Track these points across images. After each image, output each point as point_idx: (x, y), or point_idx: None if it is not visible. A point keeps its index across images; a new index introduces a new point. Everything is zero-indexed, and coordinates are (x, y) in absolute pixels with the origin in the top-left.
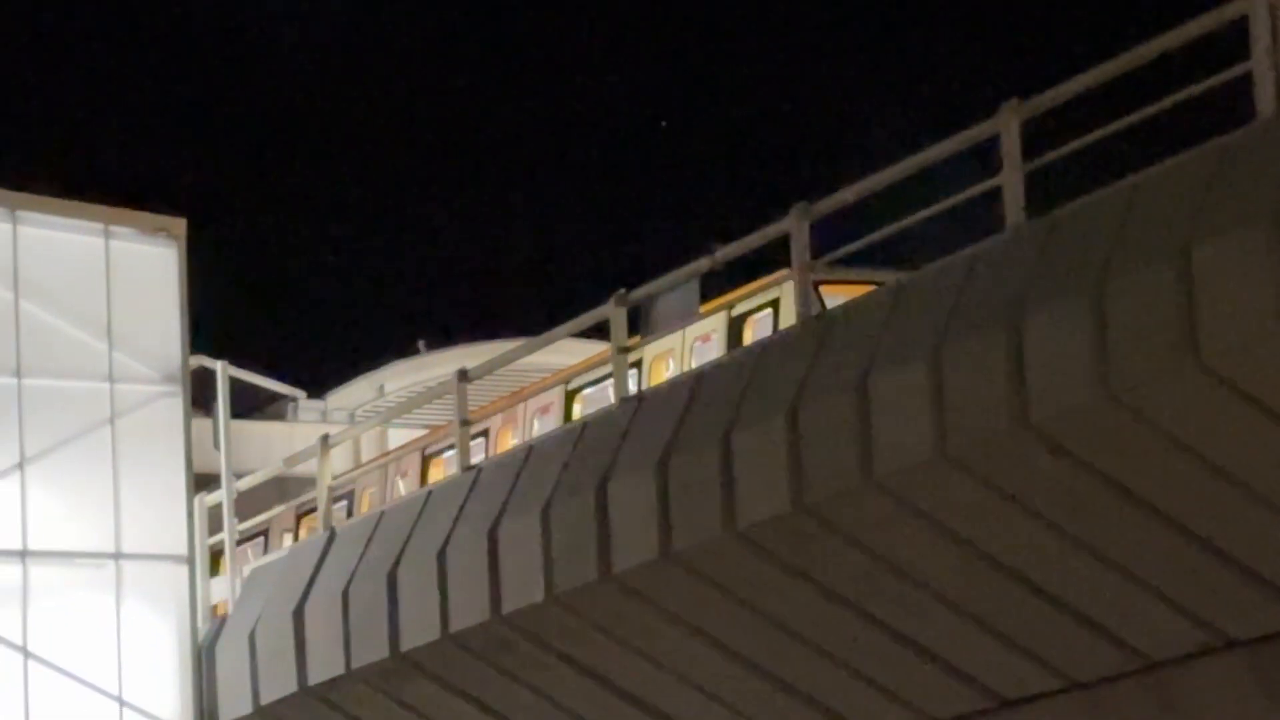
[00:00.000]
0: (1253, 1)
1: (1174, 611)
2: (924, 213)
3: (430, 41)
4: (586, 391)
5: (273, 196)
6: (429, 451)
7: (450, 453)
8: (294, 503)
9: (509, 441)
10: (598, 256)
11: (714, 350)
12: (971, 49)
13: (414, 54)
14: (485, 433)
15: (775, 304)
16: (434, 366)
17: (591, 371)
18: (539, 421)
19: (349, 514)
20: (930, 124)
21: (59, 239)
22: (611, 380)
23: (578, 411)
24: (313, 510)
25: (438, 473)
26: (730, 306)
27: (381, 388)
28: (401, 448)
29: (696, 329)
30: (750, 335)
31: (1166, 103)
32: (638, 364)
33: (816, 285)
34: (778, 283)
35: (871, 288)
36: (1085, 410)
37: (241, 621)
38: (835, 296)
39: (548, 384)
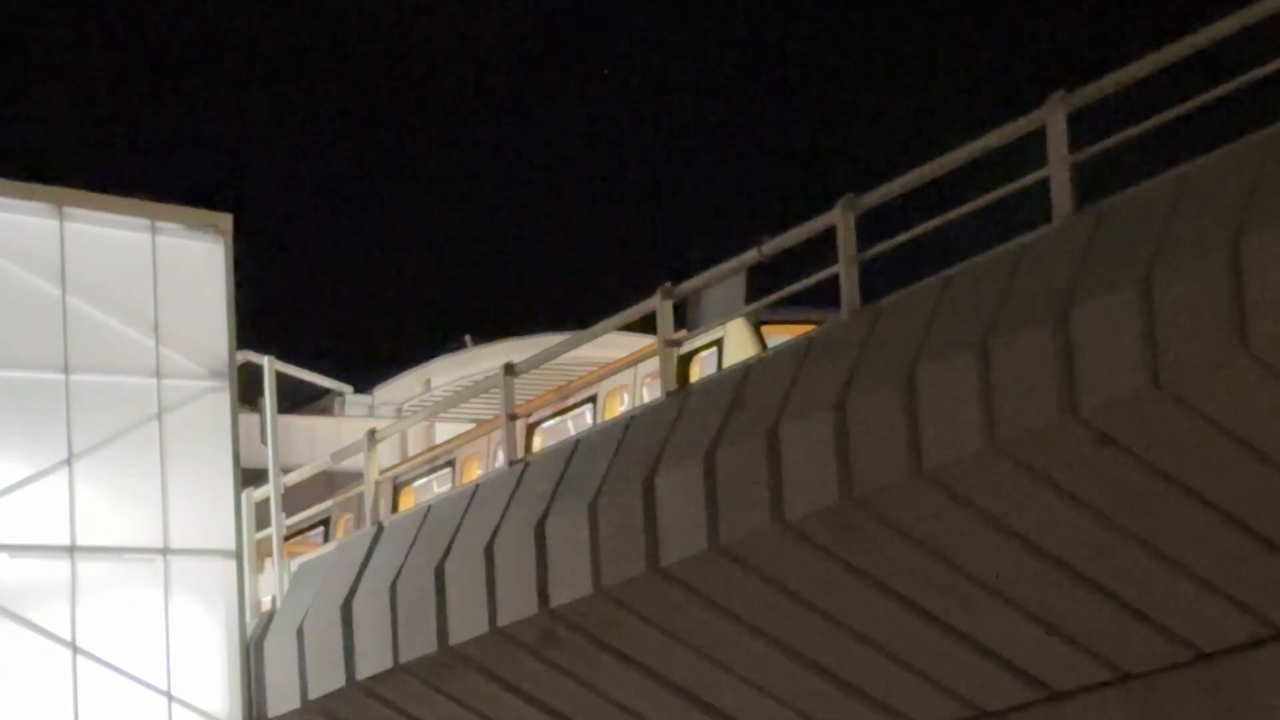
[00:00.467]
0: None
1: (1224, 602)
2: (964, 208)
3: (477, 37)
4: (546, 425)
5: (320, 191)
6: (532, 420)
7: (551, 422)
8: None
9: (475, 472)
10: (645, 249)
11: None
12: (1016, 41)
13: (461, 49)
14: (451, 463)
15: (719, 343)
16: (480, 361)
17: (549, 406)
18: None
19: (452, 483)
20: (976, 117)
21: (106, 235)
22: (572, 415)
23: (537, 444)
24: (408, 482)
25: (539, 443)
26: (679, 346)
27: (428, 382)
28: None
29: (646, 367)
30: (697, 373)
31: (1214, 93)
32: (593, 399)
33: (759, 326)
34: (721, 323)
35: (815, 324)
36: (1134, 401)
37: (290, 616)
38: (776, 337)
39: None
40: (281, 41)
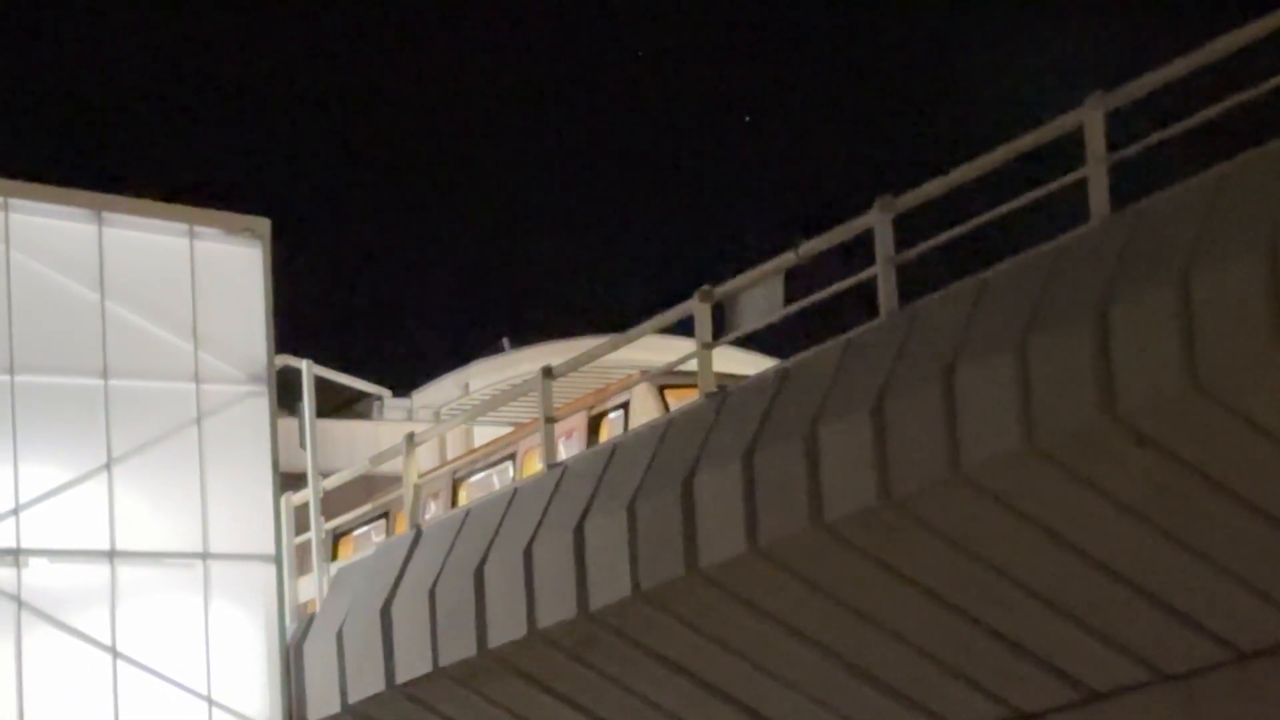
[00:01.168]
0: None
1: (1264, 602)
2: (1002, 208)
3: (514, 40)
4: (473, 479)
5: (357, 195)
6: (595, 411)
7: (616, 414)
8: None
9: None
10: (683, 252)
11: (576, 445)
12: (1053, 39)
13: (497, 52)
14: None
15: (626, 405)
16: (519, 364)
17: (484, 457)
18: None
19: (513, 476)
20: (1008, 120)
21: (144, 240)
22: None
23: (462, 498)
24: (468, 476)
25: (606, 432)
26: (590, 407)
27: (466, 385)
28: (571, 404)
29: (562, 426)
30: (606, 433)
31: (1252, 92)
32: (512, 456)
33: (661, 389)
34: (628, 387)
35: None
36: (1173, 401)
37: (329, 620)
38: (678, 399)
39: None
40: (319, 44)
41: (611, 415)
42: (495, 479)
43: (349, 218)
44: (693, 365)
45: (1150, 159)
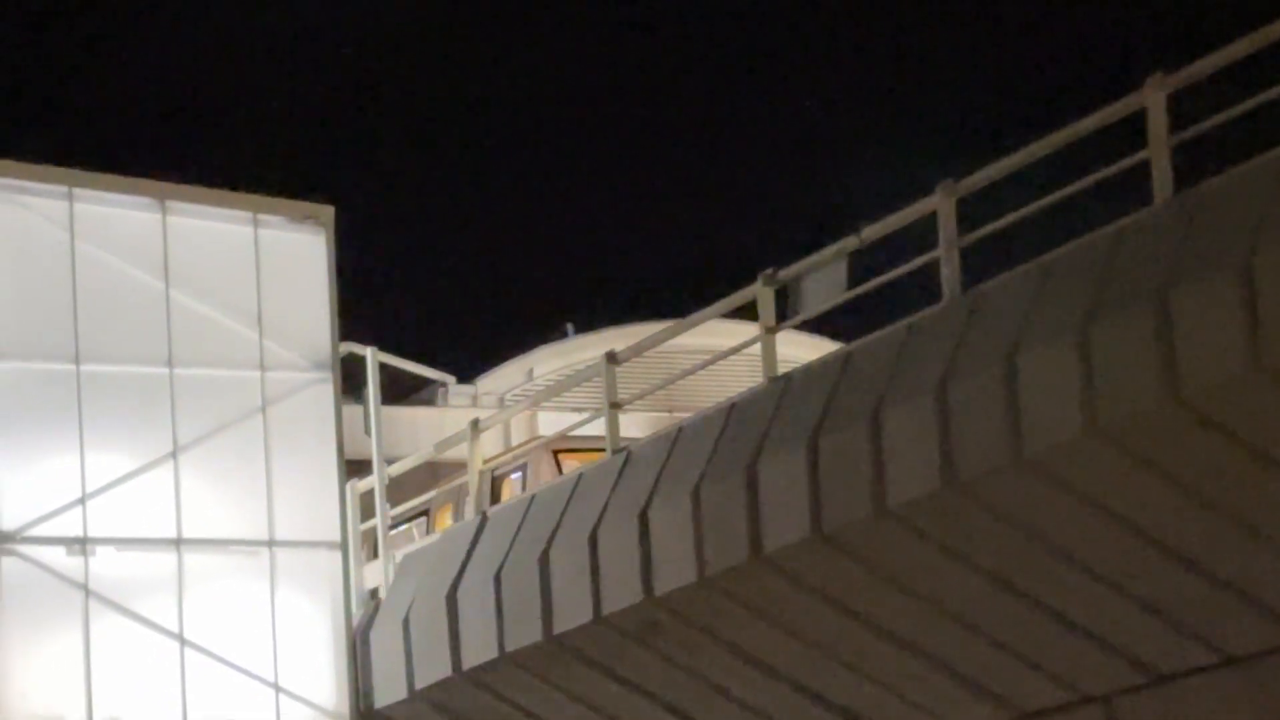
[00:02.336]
0: None
1: None
2: (1063, 191)
3: (573, 27)
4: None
5: (421, 181)
6: (498, 473)
7: (516, 475)
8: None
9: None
10: (745, 235)
11: (475, 507)
12: (1114, 22)
13: (556, 37)
14: (426, 513)
15: (524, 467)
16: (583, 350)
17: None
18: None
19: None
20: (1071, 102)
21: (208, 228)
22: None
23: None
24: (573, 450)
25: (508, 491)
26: (495, 469)
27: (530, 371)
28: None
29: (467, 486)
30: (508, 492)
31: None
32: (426, 512)
33: (556, 454)
34: (528, 450)
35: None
36: (1235, 383)
37: (395, 607)
38: (572, 463)
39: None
40: (384, 32)
41: (513, 476)
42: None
43: (414, 204)
44: (589, 430)
45: (1212, 141)
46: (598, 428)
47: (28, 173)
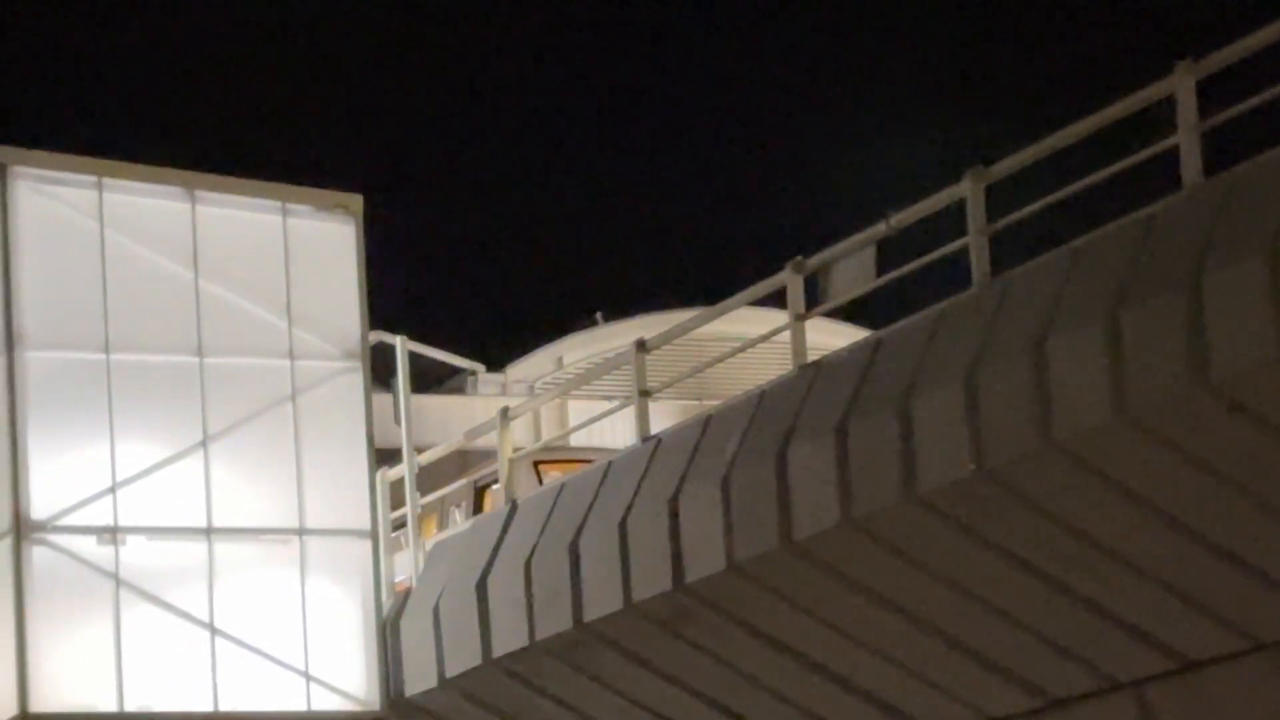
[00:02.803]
0: None
1: None
2: (1093, 177)
3: (605, 13)
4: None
5: (451, 169)
6: (481, 483)
7: (498, 485)
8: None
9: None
10: (775, 222)
11: (464, 514)
12: (1144, 7)
13: (589, 24)
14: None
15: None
16: (612, 337)
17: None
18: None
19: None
20: (1105, 85)
21: (237, 218)
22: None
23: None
24: (554, 462)
25: (490, 503)
26: (476, 480)
27: (560, 359)
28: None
29: (454, 495)
30: (489, 504)
31: None
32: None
33: (536, 465)
34: (508, 463)
35: (586, 463)
36: (1265, 368)
37: (425, 595)
38: (554, 474)
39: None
40: (410, 20)
41: (495, 487)
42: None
43: (444, 192)
44: (575, 439)
45: (1243, 126)
46: (580, 438)
47: (57, 163)
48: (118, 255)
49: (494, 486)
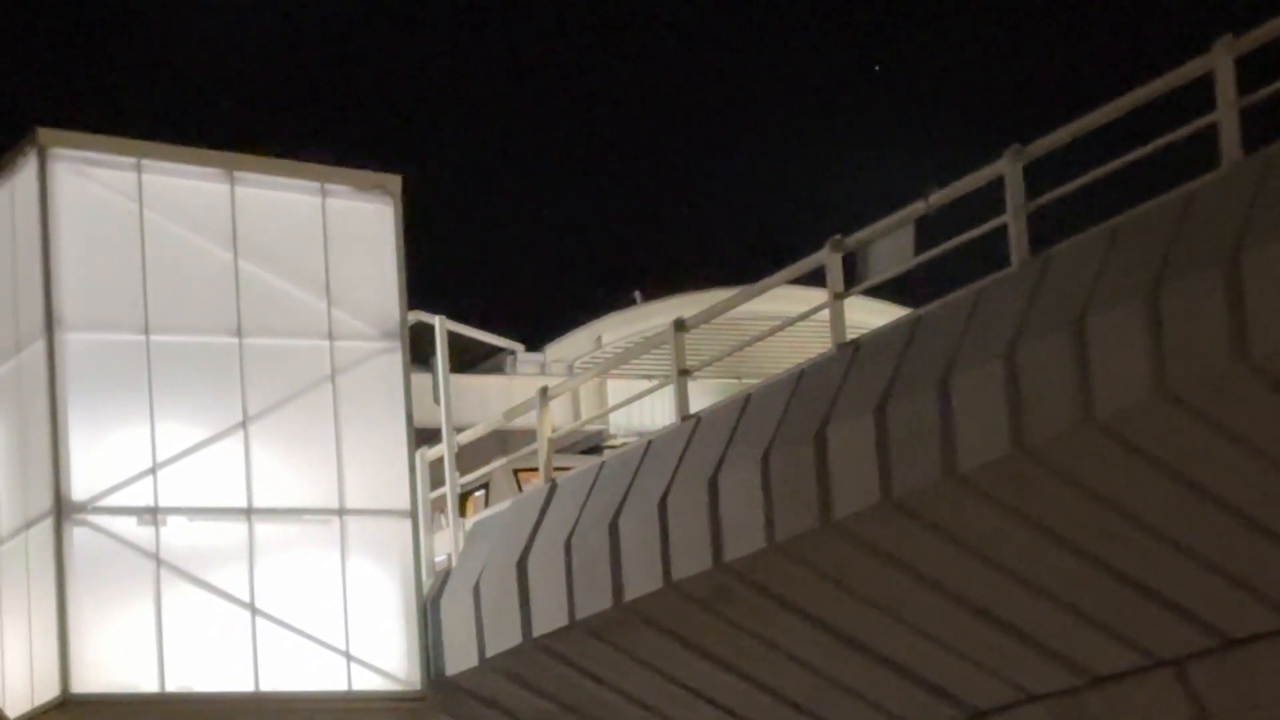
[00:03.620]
0: None
1: None
2: (1131, 155)
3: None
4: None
5: (489, 148)
6: (462, 491)
7: (479, 492)
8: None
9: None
10: (813, 202)
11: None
12: None
13: (620, 4)
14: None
15: (486, 486)
16: (651, 317)
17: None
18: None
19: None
20: (1138, 66)
21: (276, 198)
22: None
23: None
24: (533, 470)
25: (471, 509)
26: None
27: (599, 339)
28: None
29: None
30: (471, 510)
31: None
32: (486, 485)
33: (517, 473)
34: (490, 471)
35: (569, 469)
36: None
37: (465, 575)
38: (534, 482)
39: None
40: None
41: (476, 494)
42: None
43: (482, 172)
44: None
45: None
46: (619, 417)
47: (96, 144)
48: (157, 236)
49: (476, 494)
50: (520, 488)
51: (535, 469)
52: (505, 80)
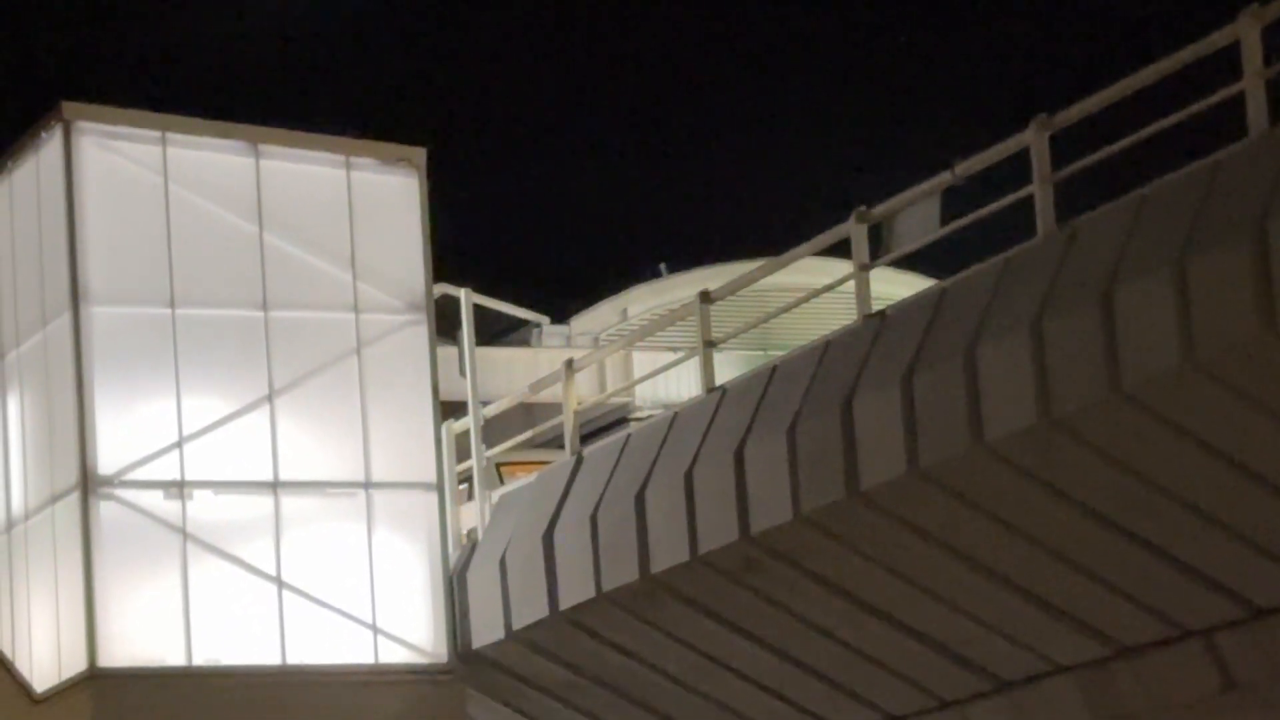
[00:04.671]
0: None
1: None
2: (1158, 124)
3: None
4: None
5: (514, 120)
6: None
7: (461, 486)
8: None
9: None
10: (838, 172)
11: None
12: None
13: None
14: None
15: (470, 479)
16: (676, 289)
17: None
18: None
19: None
20: (1164, 35)
21: (301, 172)
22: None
23: None
24: (515, 464)
25: None
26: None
27: (624, 311)
28: None
29: None
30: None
31: None
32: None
33: (499, 467)
34: (470, 470)
35: (544, 465)
36: None
37: (492, 547)
38: (514, 478)
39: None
40: None
41: (461, 487)
42: None
43: (507, 143)
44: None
45: None
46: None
47: (121, 118)
48: (182, 210)
49: (460, 486)
50: (502, 479)
51: (517, 464)
52: (532, 53)
